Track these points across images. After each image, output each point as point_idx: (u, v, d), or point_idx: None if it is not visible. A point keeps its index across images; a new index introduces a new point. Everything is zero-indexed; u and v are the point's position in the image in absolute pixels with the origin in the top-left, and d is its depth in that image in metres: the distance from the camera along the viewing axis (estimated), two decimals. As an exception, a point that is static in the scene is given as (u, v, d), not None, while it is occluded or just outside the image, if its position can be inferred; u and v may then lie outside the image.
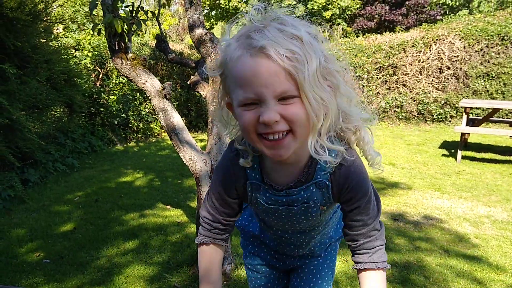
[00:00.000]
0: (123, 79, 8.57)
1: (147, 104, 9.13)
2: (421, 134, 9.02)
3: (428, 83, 9.97)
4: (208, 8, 18.51)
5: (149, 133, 9.11)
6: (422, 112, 9.94)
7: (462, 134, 6.53)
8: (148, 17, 3.15)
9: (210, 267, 1.31)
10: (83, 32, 9.32)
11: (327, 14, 17.40)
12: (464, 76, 9.70)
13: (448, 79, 9.83)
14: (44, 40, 5.67)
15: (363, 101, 1.14)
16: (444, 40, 9.85)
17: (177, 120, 2.87)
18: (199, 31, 2.97)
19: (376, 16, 17.57)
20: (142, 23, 2.99)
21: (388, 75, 10.22)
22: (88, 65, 8.05)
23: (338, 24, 17.77)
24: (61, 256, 3.39)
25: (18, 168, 4.98)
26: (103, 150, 7.54)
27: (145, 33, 12.51)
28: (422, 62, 9.98)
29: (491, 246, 3.55)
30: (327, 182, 1.15)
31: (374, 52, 10.31)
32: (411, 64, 10.07)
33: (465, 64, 9.67)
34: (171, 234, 3.83)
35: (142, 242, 3.65)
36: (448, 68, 9.80)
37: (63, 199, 4.83)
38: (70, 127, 6.68)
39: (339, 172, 1.12)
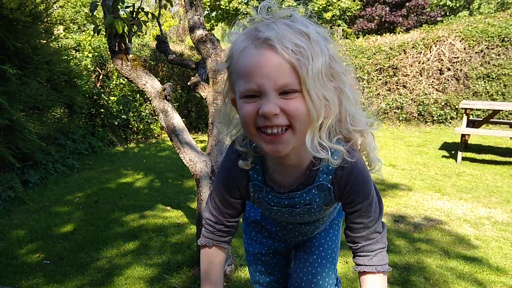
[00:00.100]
0: (124, 80, 8.57)
1: (147, 105, 9.13)
2: (422, 135, 9.02)
3: (429, 85, 9.96)
4: (208, 9, 18.52)
5: (149, 134, 9.11)
6: (423, 114, 9.94)
7: (463, 136, 6.53)
8: (148, 18, 3.15)
9: (212, 269, 1.31)
10: (84, 33, 9.32)
11: (328, 15, 17.42)
12: (464, 77, 9.70)
13: (448, 80, 9.83)
14: (44, 41, 5.67)
15: (363, 102, 1.14)
16: (444, 41, 9.85)
17: (178, 121, 2.87)
18: (199, 32, 2.97)
19: (377, 17, 17.58)
20: (142, 24, 2.99)
21: (388, 76, 10.22)
22: (89, 66, 8.05)
23: (339, 25, 17.79)
24: (61, 257, 3.39)
25: (18, 169, 4.97)
26: (103, 151, 7.54)
27: (146, 34, 12.51)
28: (423, 64, 9.98)
29: (491, 247, 3.55)
30: (329, 185, 1.14)
31: (374, 53, 10.31)
32: (411, 66, 10.07)
33: (465, 65, 9.67)
34: (171, 235, 3.83)
35: (142, 243, 3.65)
36: (449, 69, 9.80)
37: (63, 200, 4.83)
38: (70, 128, 6.68)
39: (341, 174, 1.12)
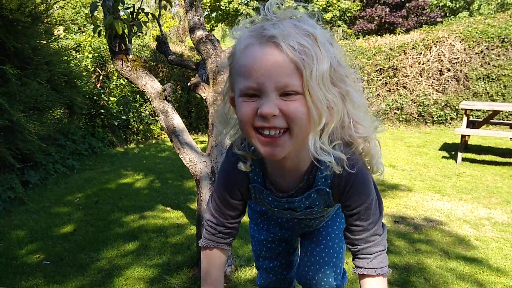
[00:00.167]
0: (124, 81, 8.57)
1: (147, 106, 9.13)
2: (421, 136, 9.02)
3: (429, 85, 9.97)
4: (208, 10, 18.52)
5: (149, 135, 9.11)
6: (423, 114, 9.94)
7: (463, 136, 6.53)
8: (148, 19, 3.15)
9: (212, 271, 1.31)
10: (84, 33, 9.32)
11: (328, 16, 17.42)
12: (464, 78, 9.70)
13: (448, 81, 9.84)
14: (44, 42, 5.67)
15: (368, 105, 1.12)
16: (444, 42, 9.85)
17: (178, 121, 2.87)
18: (199, 33, 2.97)
19: (377, 18, 17.59)
20: (142, 25, 3.00)
21: (388, 77, 10.22)
22: (89, 67, 8.05)
23: (339, 26, 17.79)
24: (61, 257, 3.39)
25: (18, 169, 4.97)
26: (103, 152, 7.54)
27: (146, 35, 12.52)
28: (423, 64, 9.98)
29: (491, 248, 3.55)
30: (328, 189, 1.13)
31: (374, 54, 10.32)
32: (411, 66, 10.08)
33: (465, 66, 9.67)
34: (171, 236, 3.83)
35: (142, 244, 3.65)
36: (449, 70, 9.81)
37: (63, 201, 4.83)
38: (70, 128, 6.67)
39: (339, 178, 1.09)
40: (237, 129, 1.13)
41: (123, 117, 8.40)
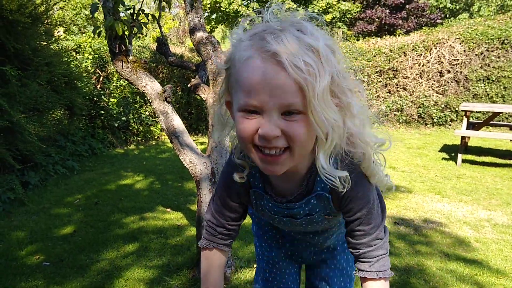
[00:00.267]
0: (124, 82, 8.57)
1: (147, 107, 9.13)
2: (421, 137, 9.02)
3: (429, 87, 9.97)
4: (208, 11, 18.54)
5: (149, 136, 9.11)
6: (423, 116, 9.94)
7: (462, 138, 6.53)
8: (149, 20, 3.15)
9: (212, 271, 1.30)
10: (84, 35, 9.33)
11: (328, 17, 17.42)
12: (464, 79, 9.71)
13: (448, 82, 9.84)
14: (44, 43, 5.67)
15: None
16: (444, 43, 9.86)
17: (178, 123, 2.87)
18: (199, 34, 2.98)
19: (377, 19, 17.60)
20: (143, 26, 3.00)
21: (388, 79, 10.22)
22: (89, 68, 8.05)
23: (339, 27, 17.80)
24: (61, 259, 3.39)
25: (18, 170, 4.97)
26: (103, 153, 7.53)
27: (146, 36, 12.52)
28: (423, 66, 9.99)
29: (491, 250, 3.55)
30: (327, 195, 1.12)
31: (374, 56, 10.32)
32: (411, 68, 10.08)
33: (465, 67, 9.68)
34: (171, 237, 3.82)
35: (142, 245, 3.65)
36: (449, 71, 9.81)
37: (63, 202, 4.83)
38: (70, 129, 6.67)
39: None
40: (235, 134, 1.11)
41: (123, 118, 8.40)
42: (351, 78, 0.97)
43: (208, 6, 17.83)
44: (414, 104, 10.03)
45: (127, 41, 2.88)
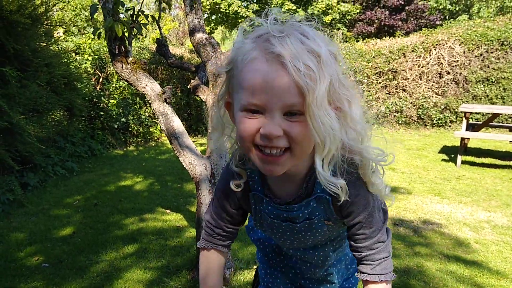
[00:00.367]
0: (123, 83, 8.57)
1: (147, 108, 9.13)
2: (421, 139, 9.02)
3: (428, 88, 9.98)
4: (208, 12, 18.55)
5: (148, 137, 9.11)
6: (422, 117, 9.95)
7: (462, 139, 6.53)
8: (148, 21, 3.15)
9: (210, 273, 1.29)
10: (84, 36, 9.33)
11: (327, 19, 17.44)
12: (464, 81, 9.72)
13: (448, 84, 9.85)
14: (44, 44, 5.67)
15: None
16: (444, 45, 9.87)
17: (177, 124, 2.87)
18: (199, 36, 2.98)
19: (376, 21, 17.62)
20: (142, 27, 3.00)
21: (388, 80, 10.23)
22: (88, 69, 8.05)
23: (338, 28, 17.81)
24: (60, 260, 3.38)
25: (17, 171, 4.97)
26: (102, 154, 7.53)
27: (145, 37, 12.53)
28: (422, 67, 9.99)
29: (491, 251, 3.55)
30: (327, 197, 1.10)
31: (374, 57, 10.34)
32: (411, 69, 10.09)
33: (465, 69, 9.68)
34: (171, 238, 3.82)
35: (141, 246, 3.64)
36: (448, 73, 9.82)
37: (63, 203, 4.82)
38: (70, 131, 6.67)
39: None
40: (232, 134, 1.10)
41: (123, 119, 8.40)
42: (350, 86, 0.97)
43: (208, 7, 17.85)
44: (414, 106, 10.04)
45: (127, 42, 2.88)
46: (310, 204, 1.14)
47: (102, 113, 7.91)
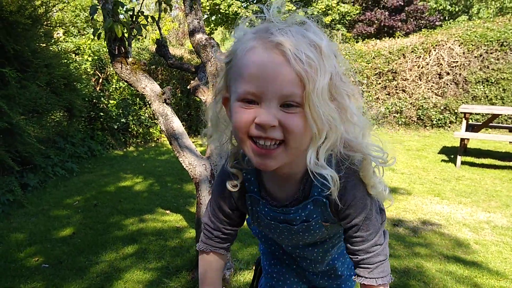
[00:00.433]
0: (123, 84, 8.57)
1: (146, 109, 9.13)
2: (421, 139, 9.02)
3: (428, 89, 9.99)
4: (208, 13, 18.56)
5: (148, 138, 9.11)
6: (422, 118, 9.95)
7: (462, 140, 6.54)
8: (148, 22, 3.16)
9: (210, 275, 1.29)
10: (83, 36, 9.34)
11: (327, 19, 17.44)
12: (463, 81, 9.72)
13: (447, 84, 9.85)
14: (44, 44, 5.67)
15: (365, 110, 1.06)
16: (443, 45, 9.88)
17: (177, 125, 2.87)
18: (199, 36, 2.98)
19: (376, 21, 17.62)
20: (142, 28, 3.00)
21: (387, 81, 10.24)
22: (88, 70, 8.05)
23: (338, 29, 17.82)
24: (60, 260, 3.38)
25: (17, 172, 4.97)
26: (102, 155, 7.53)
27: (145, 38, 12.53)
28: (422, 68, 10.00)
29: (491, 252, 3.55)
30: (324, 200, 1.09)
31: (373, 58, 10.34)
32: (410, 70, 10.10)
33: (464, 69, 9.69)
34: (170, 239, 3.82)
35: (141, 247, 3.64)
36: (448, 73, 9.83)
37: (62, 204, 4.82)
38: (69, 131, 6.67)
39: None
40: (227, 132, 1.09)
41: (123, 120, 8.40)
42: (350, 83, 0.97)
43: (208, 8, 17.87)
44: (413, 106, 10.04)
45: (127, 43, 2.88)
46: (307, 207, 1.12)
47: (102, 113, 7.91)
